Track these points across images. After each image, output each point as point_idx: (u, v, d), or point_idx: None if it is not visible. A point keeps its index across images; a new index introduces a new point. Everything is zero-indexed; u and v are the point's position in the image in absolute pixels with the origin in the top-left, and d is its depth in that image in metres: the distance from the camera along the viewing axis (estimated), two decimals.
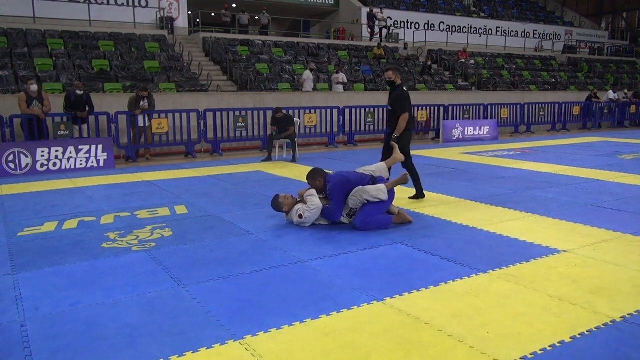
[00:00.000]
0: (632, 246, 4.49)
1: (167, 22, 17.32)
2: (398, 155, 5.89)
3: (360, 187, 5.04)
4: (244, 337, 2.89)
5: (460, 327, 2.98)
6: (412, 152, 6.55)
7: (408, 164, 6.40)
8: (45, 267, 4.09)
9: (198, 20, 22.06)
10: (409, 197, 6.49)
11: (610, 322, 3.05)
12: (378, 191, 5.00)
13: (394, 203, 5.39)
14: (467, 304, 3.31)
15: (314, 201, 5.11)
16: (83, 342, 2.85)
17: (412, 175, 6.32)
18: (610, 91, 19.48)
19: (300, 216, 5.13)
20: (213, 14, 22.05)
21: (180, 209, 6.06)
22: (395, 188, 5.34)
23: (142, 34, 15.80)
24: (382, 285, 3.61)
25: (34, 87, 9.75)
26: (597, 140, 14.18)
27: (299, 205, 5.21)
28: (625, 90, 19.95)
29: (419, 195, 6.46)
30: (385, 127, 7.01)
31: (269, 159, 10.30)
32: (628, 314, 3.14)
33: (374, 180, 5.18)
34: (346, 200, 5.08)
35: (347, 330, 2.96)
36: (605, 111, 18.78)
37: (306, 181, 5.41)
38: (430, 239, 4.76)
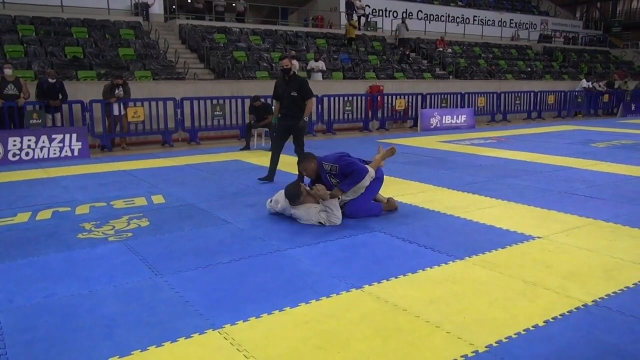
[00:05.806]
0: (604, 232, 4.60)
1: (142, 9, 16.93)
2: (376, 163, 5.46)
3: None
4: (223, 326, 2.88)
5: (437, 313, 3.02)
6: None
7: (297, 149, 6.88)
8: (19, 258, 4.01)
9: (174, 6, 21.65)
10: (258, 178, 6.92)
11: (582, 306, 3.12)
12: (369, 175, 5.08)
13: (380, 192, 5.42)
14: (445, 290, 3.36)
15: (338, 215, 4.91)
16: (59, 333, 2.81)
17: (275, 158, 6.86)
18: (584, 80, 19.82)
19: (327, 218, 4.84)
20: (189, 0, 21.66)
21: (157, 199, 5.99)
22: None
23: (116, 20, 15.46)
24: (361, 273, 3.64)
25: (8, 71, 9.52)
26: (571, 128, 14.44)
27: (322, 206, 4.89)
28: (600, 84, 20.26)
29: (269, 178, 6.87)
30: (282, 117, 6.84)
31: (247, 147, 10.24)
32: (599, 298, 3.22)
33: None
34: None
35: (326, 317, 2.98)
36: (579, 100, 19.12)
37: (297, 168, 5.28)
38: (408, 226, 4.80)
